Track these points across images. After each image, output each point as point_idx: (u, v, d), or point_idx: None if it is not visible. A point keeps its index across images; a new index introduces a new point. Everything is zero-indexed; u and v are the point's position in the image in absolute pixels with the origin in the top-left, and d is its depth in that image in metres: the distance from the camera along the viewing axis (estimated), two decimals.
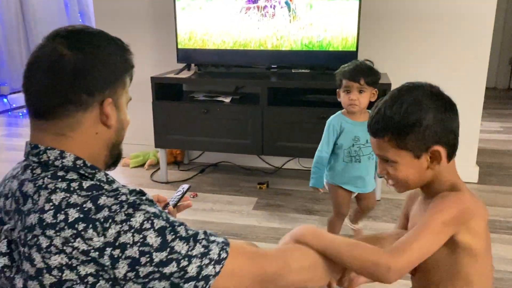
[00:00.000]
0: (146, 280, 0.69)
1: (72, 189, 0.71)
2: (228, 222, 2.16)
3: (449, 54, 2.51)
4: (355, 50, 2.36)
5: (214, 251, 0.74)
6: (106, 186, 0.73)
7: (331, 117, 1.77)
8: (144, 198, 0.74)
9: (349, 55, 2.36)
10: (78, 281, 0.67)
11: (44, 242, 0.67)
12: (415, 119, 0.84)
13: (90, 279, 0.67)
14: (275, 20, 2.43)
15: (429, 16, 2.48)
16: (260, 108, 2.40)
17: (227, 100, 2.51)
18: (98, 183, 0.73)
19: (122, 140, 0.85)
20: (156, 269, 0.69)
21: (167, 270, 0.69)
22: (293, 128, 2.40)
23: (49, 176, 0.72)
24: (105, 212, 0.68)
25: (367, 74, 1.65)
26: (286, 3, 2.40)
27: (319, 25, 2.39)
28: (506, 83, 5.37)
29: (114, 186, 0.75)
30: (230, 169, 2.88)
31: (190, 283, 0.71)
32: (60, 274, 0.67)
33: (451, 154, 0.87)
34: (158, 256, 0.69)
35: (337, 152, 1.75)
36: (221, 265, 0.74)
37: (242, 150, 2.54)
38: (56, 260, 0.67)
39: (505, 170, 2.81)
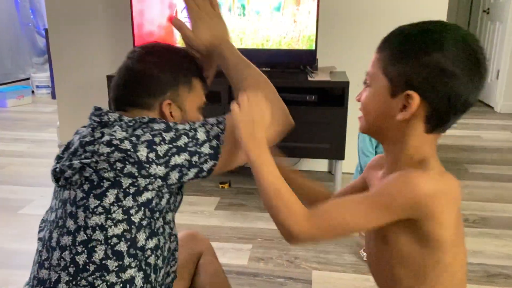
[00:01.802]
0: (167, 157, 0.79)
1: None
2: (190, 223, 2.13)
3: None
4: (313, 49, 2.38)
5: (211, 120, 0.87)
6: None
7: None
8: None
9: (308, 54, 2.38)
10: (109, 168, 0.78)
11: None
12: (420, 49, 0.69)
13: (118, 165, 0.78)
14: (233, 18, 2.41)
15: (385, 16, 2.54)
16: (222, 107, 2.37)
17: None
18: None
19: None
20: (171, 145, 0.80)
21: (180, 142, 0.81)
22: None
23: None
24: (133, 122, 0.84)
25: None
26: (242, 5, 2.38)
27: (278, 23, 2.39)
28: None
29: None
30: None
31: (205, 145, 0.83)
32: (96, 166, 0.79)
33: (433, 122, 0.72)
34: (168, 135, 0.81)
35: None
36: (223, 124, 0.86)
37: None
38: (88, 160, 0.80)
39: (460, 165, 2.91)
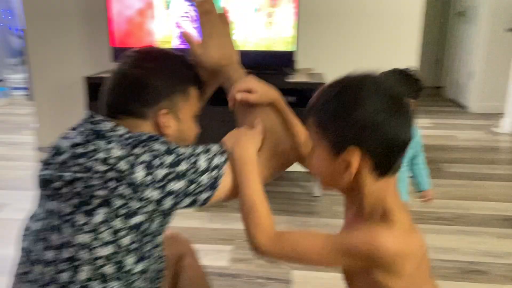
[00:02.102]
0: (164, 182, 0.76)
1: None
2: (170, 224, 2.11)
3: (381, 54, 2.63)
4: (294, 50, 2.40)
5: (214, 147, 0.84)
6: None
7: None
8: None
9: (287, 55, 2.40)
10: (101, 186, 0.75)
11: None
12: (342, 109, 0.72)
13: (112, 184, 0.75)
14: None
15: (363, 18, 2.58)
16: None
17: None
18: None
19: None
20: (170, 170, 0.77)
21: (180, 168, 0.78)
22: (231, 128, 2.39)
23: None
24: (131, 140, 0.79)
25: None
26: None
27: (257, 25, 2.40)
28: (433, 81, 5.72)
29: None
30: None
31: (204, 175, 0.80)
32: (88, 182, 0.75)
33: (379, 169, 0.73)
34: (168, 159, 0.77)
35: None
36: (225, 155, 0.83)
37: None
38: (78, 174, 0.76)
39: (436, 164, 2.98)
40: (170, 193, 0.77)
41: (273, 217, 0.81)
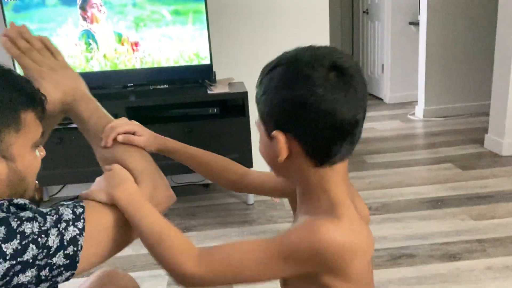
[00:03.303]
0: (7, 278, 0.60)
1: None
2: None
3: None
4: (209, 63, 2.39)
5: (67, 212, 0.67)
6: None
7: None
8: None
9: (204, 68, 2.40)
10: None
11: None
12: (268, 87, 0.65)
13: None
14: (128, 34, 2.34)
15: (270, 21, 2.63)
16: None
17: None
18: None
19: (25, 190, 0.74)
20: (13, 262, 0.60)
21: (27, 256, 0.61)
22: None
23: None
24: None
25: None
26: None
27: (168, 41, 2.37)
28: None
29: None
30: None
31: (58, 255, 0.64)
32: None
33: (314, 155, 0.64)
34: (9, 247, 0.60)
35: None
36: (81, 220, 0.67)
37: None
38: None
39: (359, 157, 3.10)
40: (16, 287, 0.61)
41: (188, 239, 0.70)
